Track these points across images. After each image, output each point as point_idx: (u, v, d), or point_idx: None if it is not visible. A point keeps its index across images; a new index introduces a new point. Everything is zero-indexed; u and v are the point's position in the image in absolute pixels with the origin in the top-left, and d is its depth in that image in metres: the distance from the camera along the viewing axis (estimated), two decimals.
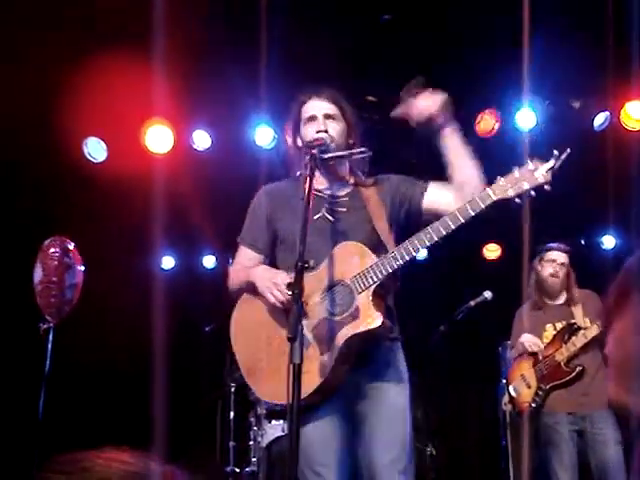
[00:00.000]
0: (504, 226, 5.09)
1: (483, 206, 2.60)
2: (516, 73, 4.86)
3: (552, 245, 4.89)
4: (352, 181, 2.96)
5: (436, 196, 2.84)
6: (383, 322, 2.64)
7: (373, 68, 5.60)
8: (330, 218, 2.85)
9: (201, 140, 6.28)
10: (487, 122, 6.01)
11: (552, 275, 4.78)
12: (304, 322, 2.68)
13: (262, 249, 2.96)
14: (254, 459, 5.37)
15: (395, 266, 2.63)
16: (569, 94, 5.94)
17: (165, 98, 5.58)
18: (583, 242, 7.05)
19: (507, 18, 4.42)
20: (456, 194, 2.77)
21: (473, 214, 2.60)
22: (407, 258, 2.63)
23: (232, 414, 5.57)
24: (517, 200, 2.60)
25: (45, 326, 4.90)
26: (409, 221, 2.86)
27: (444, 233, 2.61)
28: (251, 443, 5.43)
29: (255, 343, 2.80)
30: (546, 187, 2.58)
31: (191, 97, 5.94)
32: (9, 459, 5.47)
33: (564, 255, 4.82)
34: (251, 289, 2.86)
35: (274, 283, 2.73)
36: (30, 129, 5.71)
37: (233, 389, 5.58)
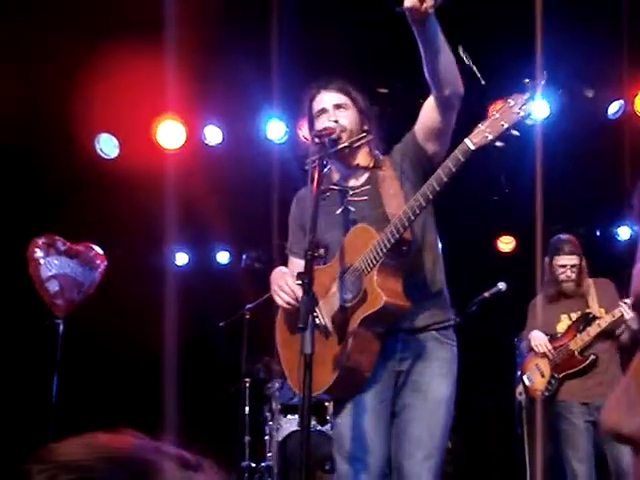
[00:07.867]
0: (518, 217, 5.05)
1: (463, 159, 2.45)
2: (529, 62, 4.81)
3: (561, 242, 4.74)
4: (371, 164, 2.86)
5: (421, 121, 2.74)
6: (386, 301, 2.53)
7: (385, 60, 5.56)
8: (352, 210, 2.80)
9: (213, 135, 6.27)
10: None
11: (566, 280, 4.73)
12: (325, 311, 2.69)
13: None
14: (269, 454, 5.37)
15: (392, 240, 2.54)
16: (583, 83, 5.89)
17: (177, 93, 5.58)
18: (598, 233, 6.99)
19: (520, 6, 4.38)
20: (434, 96, 2.66)
21: (455, 170, 2.46)
22: (402, 230, 2.54)
23: (247, 409, 5.57)
24: (498, 144, 2.49)
25: (56, 322, 4.95)
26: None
27: (436, 191, 2.50)
28: (266, 438, 5.44)
29: (290, 343, 2.81)
30: (527, 121, 2.47)
31: (202, 92, 5.93)
32: (25, 438, 5.55)
33: (575, 257, 4.73)
34: None
35: (279, 285, 2.71)
36: (42, 127, 5.72)
37: (248, 384, 5.57)
